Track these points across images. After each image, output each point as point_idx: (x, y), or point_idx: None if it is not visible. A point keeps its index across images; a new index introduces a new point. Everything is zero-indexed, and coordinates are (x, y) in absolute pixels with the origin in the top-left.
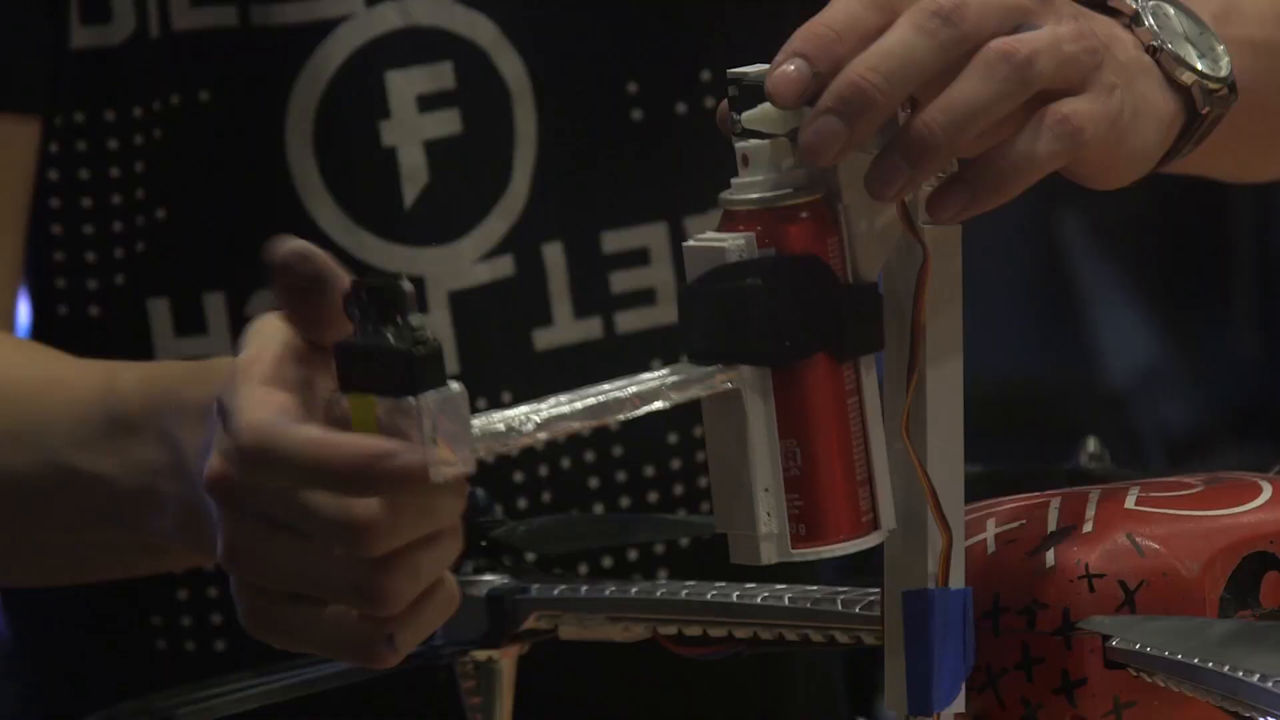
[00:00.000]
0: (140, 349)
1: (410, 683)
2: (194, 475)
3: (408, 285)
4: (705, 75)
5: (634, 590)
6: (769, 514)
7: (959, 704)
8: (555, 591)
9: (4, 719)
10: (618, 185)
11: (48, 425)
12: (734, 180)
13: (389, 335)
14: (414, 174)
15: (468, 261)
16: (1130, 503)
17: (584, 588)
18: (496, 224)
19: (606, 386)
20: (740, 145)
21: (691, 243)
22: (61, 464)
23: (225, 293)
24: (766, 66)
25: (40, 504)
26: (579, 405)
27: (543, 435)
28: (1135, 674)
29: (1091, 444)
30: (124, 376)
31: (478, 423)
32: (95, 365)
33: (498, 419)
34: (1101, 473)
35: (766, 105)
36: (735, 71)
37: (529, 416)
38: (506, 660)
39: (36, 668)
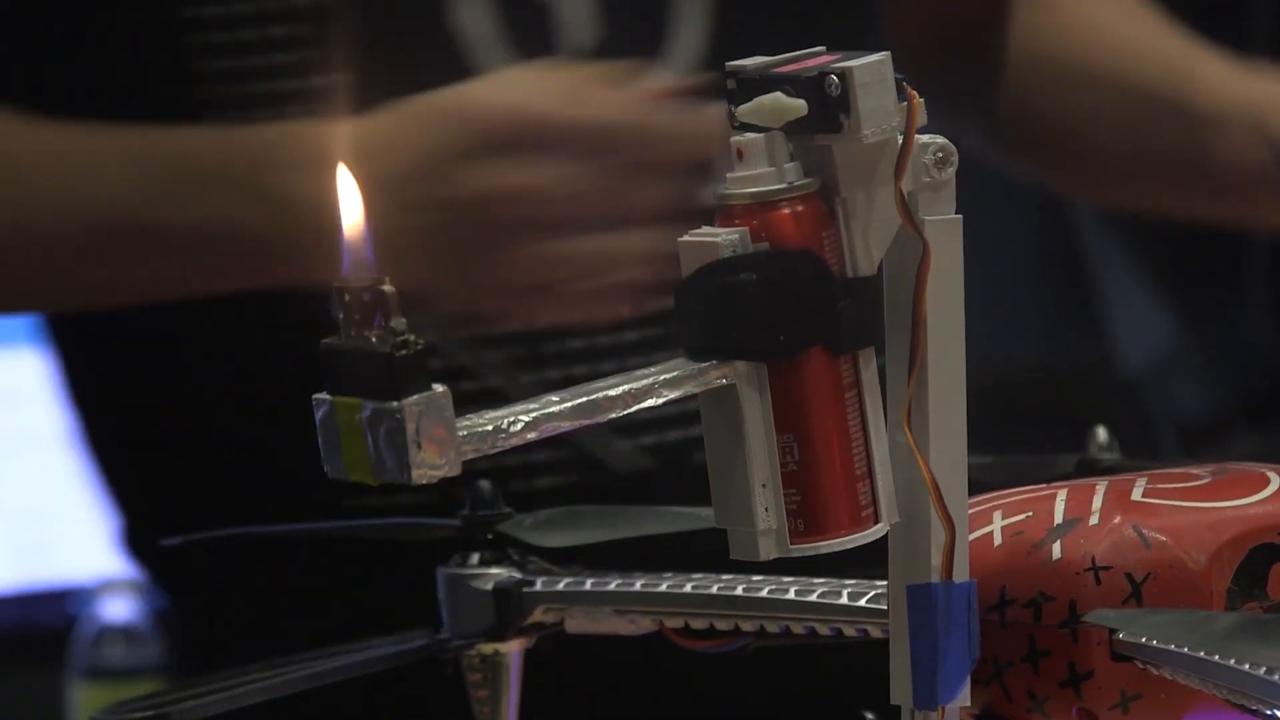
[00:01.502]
0: None
1: (417, 676)
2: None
3: (390, 287)
4: None
5: (640, 583)
6: (767, 509)
7: (964, 697)
8: (561, 584)
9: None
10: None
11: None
12: (729, 175)
13: (372, 338)
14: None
15: None
16: (1137, 494)
17: (589, 581)
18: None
19: (598, 384)
20: (735, 139)
21: (686, 238)
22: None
23: None
24: (764, 60)
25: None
26: (569, 404)
27: (532, 435)
28: (1142, 667)
29: (1101, 434)
30: (181, 138)
31: (465, 423)
32: (129, 132)
33: (486, 419)
34: (1111, 463)
35: (762, 98)
36: (733, 65)
37: (518, 416)
38: (513, 653)
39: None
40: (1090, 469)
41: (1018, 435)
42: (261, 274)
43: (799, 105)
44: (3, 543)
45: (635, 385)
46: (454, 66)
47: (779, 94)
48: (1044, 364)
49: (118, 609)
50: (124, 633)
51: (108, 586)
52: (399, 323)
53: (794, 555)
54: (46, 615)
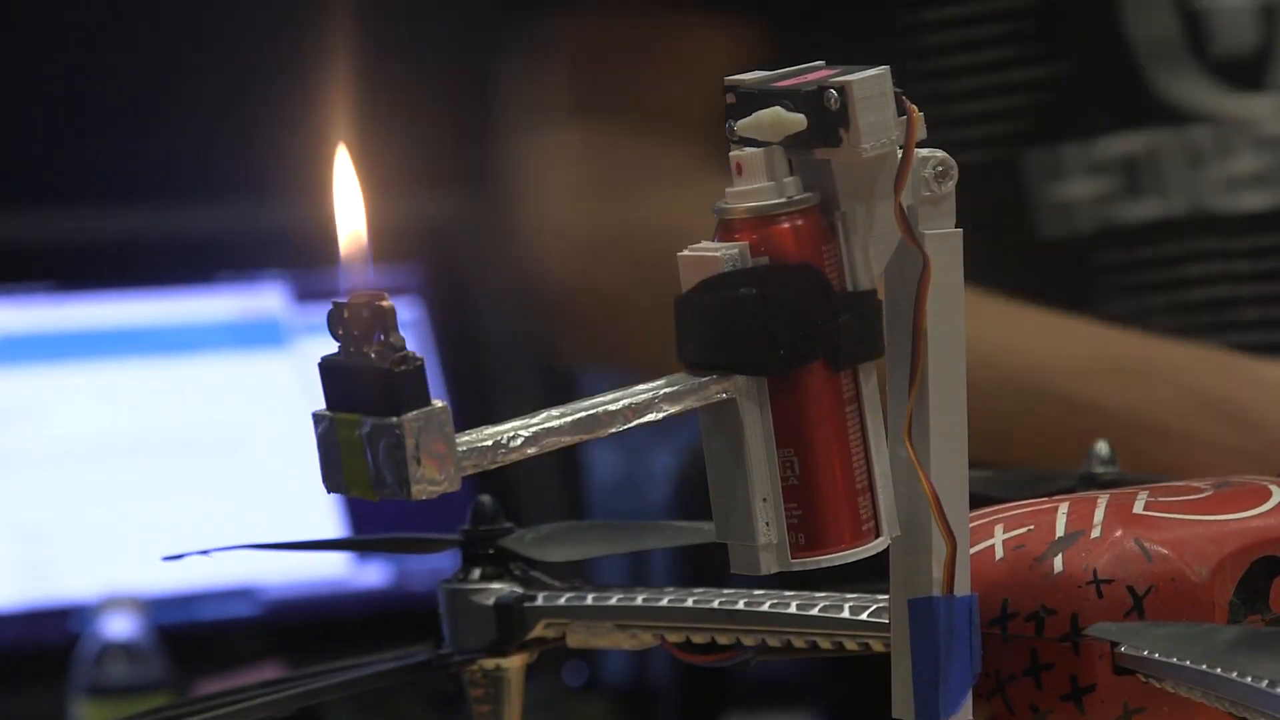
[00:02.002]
0: None
1: (419, 691)
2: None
3: (389, 303)
4: None
5: (641, 598)
6: (768, 524)
7: (966, 711)
8: (562, 599)
9: None
10: None
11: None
12: (728, 190)
13: (371, 354)
14: None
15: None
16: (1139, 507)
17: (591, 595)
18: None
19: (598, 399)
20: (733, 154)
21: (685, 252)
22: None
23: None
24: (764, 74)
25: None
26: (569, 419)
27: (532, 450)
28: (1144, 680)
29: (1103, 447)
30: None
31: (465, 439)
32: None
33: (486, 434)
34: (1112, 476)
35: (760, 113)
36: (731, 79)
37: (518, 431)
38: (514, 668)
39: None
40: (1092, 483)
41: None
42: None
43: (798, 120)
44: (4, 560)
45: (635, 400)
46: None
47: (778, 108)
48: None
49: (120, 626)
50: (126, 649)
51: (110, 603)
52: (398, 339)
53: (795, 570)
54: (48, 632)
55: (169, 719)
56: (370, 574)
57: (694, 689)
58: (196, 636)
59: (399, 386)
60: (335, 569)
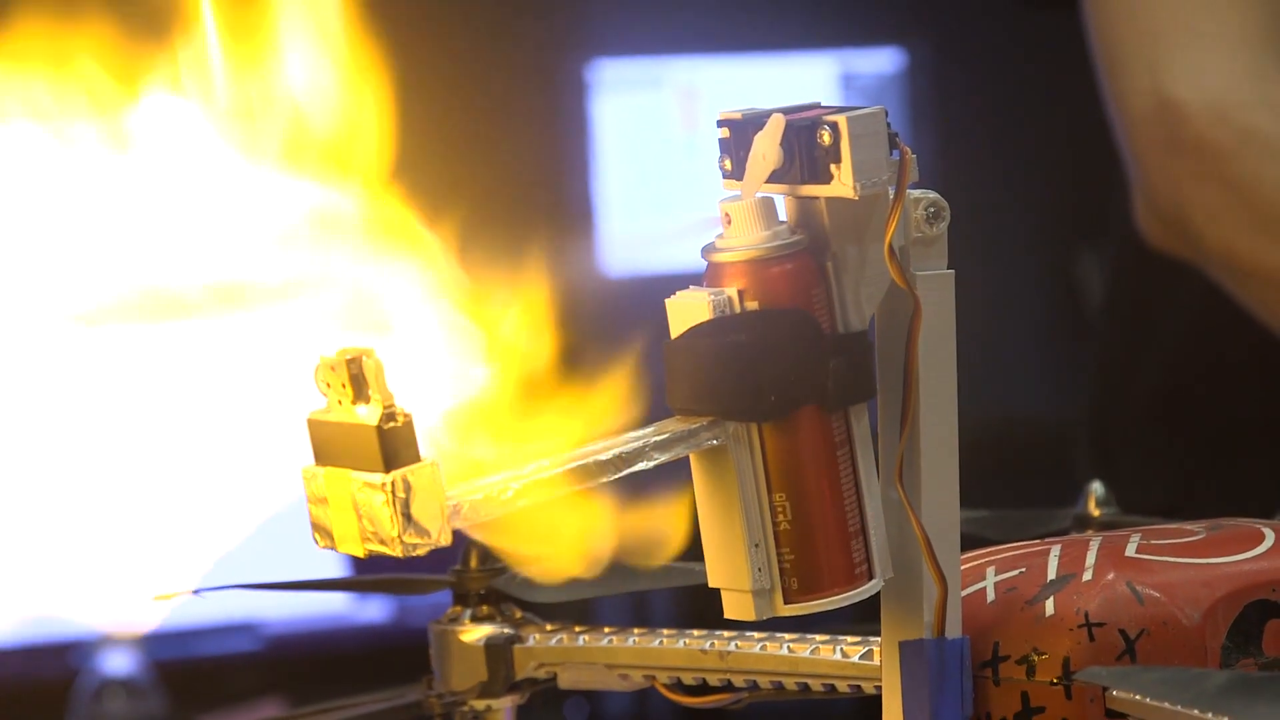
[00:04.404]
0: None
1: None
2: None
3: (375, 359)
4: None
5: (632, 639)
6: (760, 569)
7: None
8: (553, 640)
9: None
10: None
11: None
12: (717, 237)
13: (360, 411)
14: None
15: None
16: (1131, 550)
17: (583, 637)
18: None
19: (588, 449)
20: (723, 204)
21: (674, 298)
22: None
23: None
24: (759, 109)
25: None
26: (560, 470)
27: (523, 503)
28: None
29: (1098, 489)
30: None
31: (454, 493)
32: None
33: (477, 487)
34: (1108, 518)
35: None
36: (725, 114)
37: (508, 484)
38: (504, 710)
39: None
40: (1087, 524)
41: (1015, 490)
42: None
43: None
44: (3, 597)
45: (626, 449)
46: None
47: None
48: (1046, 418)
49: (118, 662)
50: (124, 686)
51: (108, 640)
52: (386, 395)
53: (787, 615)
54: (48, 669)
55: None
56: (371, 609)
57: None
58: (196, 672)
59: (389, 443)
60: (336, 605)
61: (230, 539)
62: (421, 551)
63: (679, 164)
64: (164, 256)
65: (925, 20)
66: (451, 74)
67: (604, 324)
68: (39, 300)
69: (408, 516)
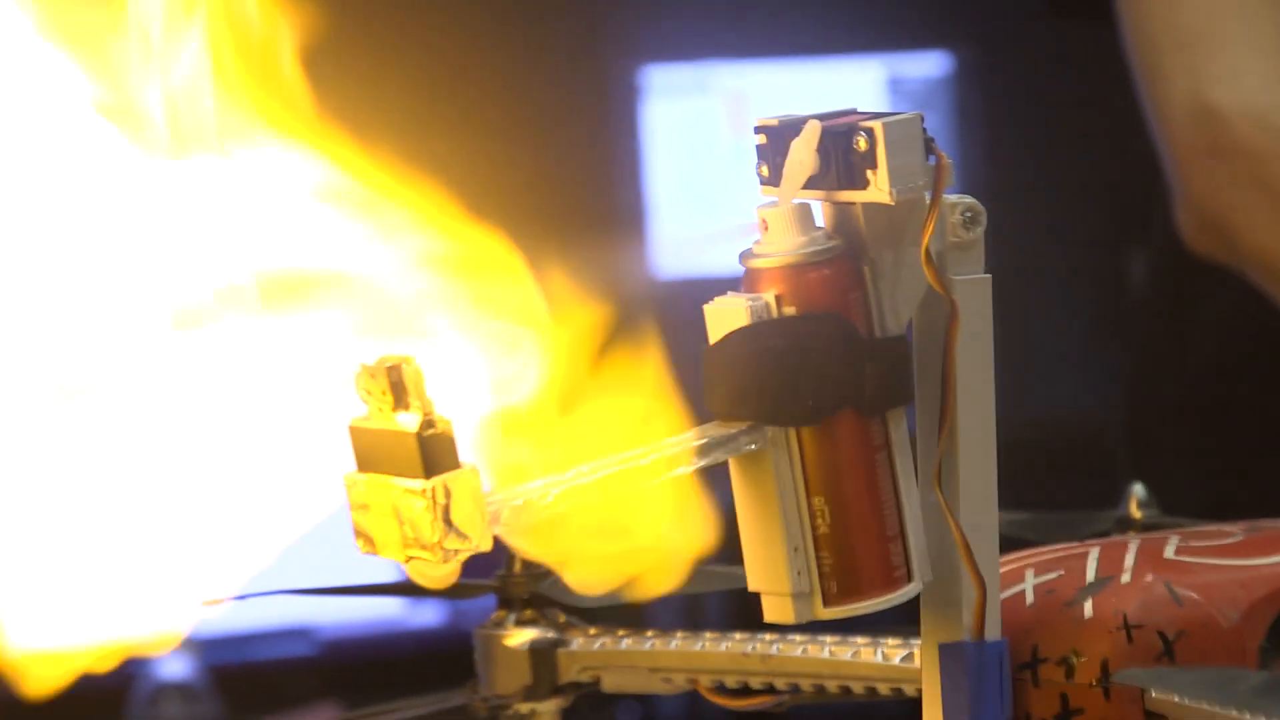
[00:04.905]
0: None
1: None
2: None
3: (418, 366)
4: None
5: (675, 643)
6: (799, 573)
7: None
8: (597, 645)
9: None
10: None
11: None
12: (754, 243)
13: (401, 418)
14: None
15: None
16: (1169, 552)
17: (626, 640)
18: None
19: (629, 454)
20: (760, 210)
21: (712, 304)
22: None
23: None
24: (793, 117)
25: None
26: (599, 476)
27: (562, 508)
28: None
29: (1139, 490)
30: None
31: (495, 499)
32: None
33: (517, 493)
34: (1149, 520)
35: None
36: (763, 121)
37: (548, 489)
38: (548, 713)
39: None
40: (1128, 526)
41: (1056, 492)
42: None
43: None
44: (60, 601)
45: (666, 454)
46: None
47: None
48: (1086, 420)
49: (174, 667)
50: (180, 690)
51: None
52: (427, 402)
53: (827, 619)
54: (105, 673)
55: None
56: (424, 614)
57: None
58: (251, 676)
59: (429, 450)
60: (391, 609)
61: (282, 544)
62: (462, 557)
63: (727, 168)
64: (217, 263)
65: (971, 25)
66: (508, 81)
67: (648, 327)
68: (90, 305)
69: (448, 522)
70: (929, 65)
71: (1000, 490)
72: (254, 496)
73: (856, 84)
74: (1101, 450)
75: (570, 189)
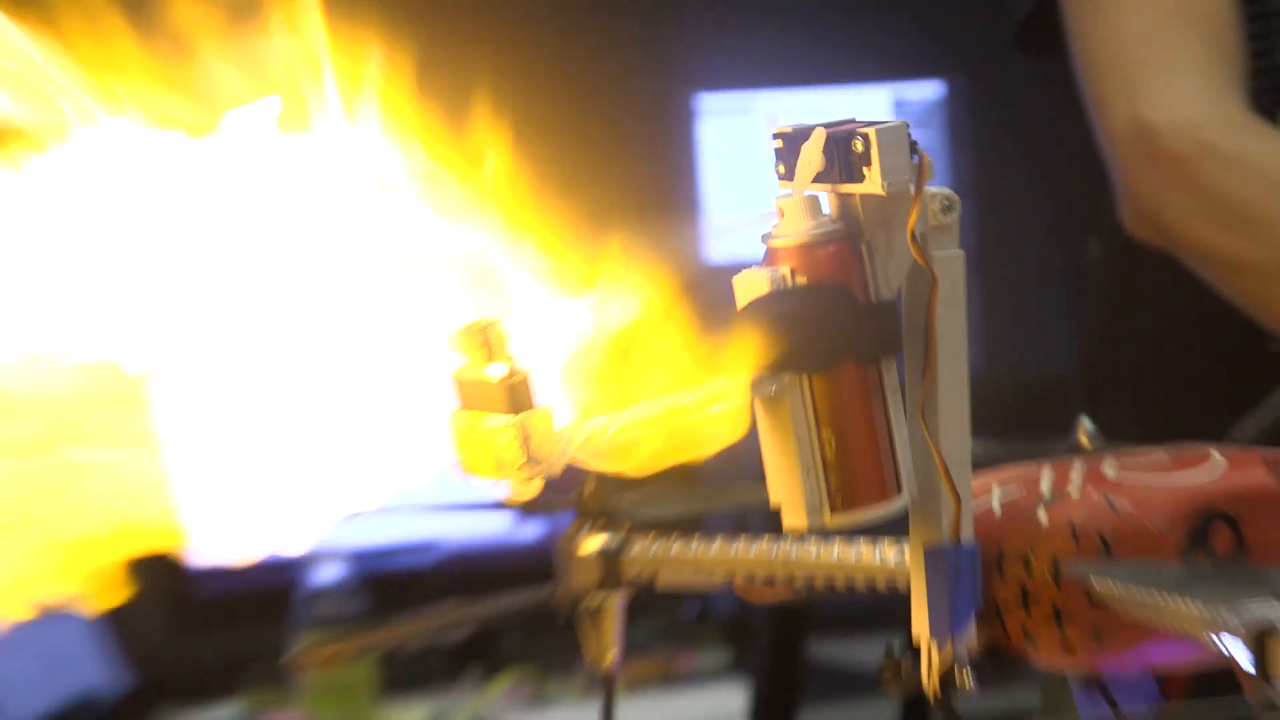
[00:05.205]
0: None
1: (543, 620)
2: None
3: (502, 328)
4: None
5: (714, 548)
6: (811, 490)
7: (970, 633)
8: (653, 550)
9: None
10: None
11: None
12: (774, 227)
13: (491, 368)
14: None
15: None
16: (1108, 471)
17: (675, 546)
18: None
19: (673, 396)
20: (778, 200)
21: (740, 276)
22: None
23: None
24: (804, 125)
25: None
26: (649, 414)
27: (619, 440)
28: (1111, 607)
29: (1086, 423)
30: None
31: (565, 432)
32: None
33: (583, 428)
34: (1095, 448)
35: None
36: (780, 129)
37: (608, 425)
38: (613, 604)
39: None
40: (1077, 452)
41: (1021, 426)
42: None
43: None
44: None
45: (703, 395)
46: None
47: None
48: (1047, 370)
49: (329, 573)
50: (332, 592)
51: (320, 555)
52: (510, 355)
53: (833, 527)
54: (275, 580)
55: (366, 641)
56: (527, 531)
57: (784, 619)
58: (388, 582)
59: (512, 394)
60: (500, 528)
61: (416, 471)
62: (538, 478)
63: (765, 175)
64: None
65: (961, 58)
66: (587, 104)
67: (692, 297)
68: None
69: (527, 450)
70: (927, 90)
71: (974, 423)
72: (385, 433)
73: (869, 105)
74: (1058, 391)
75: (636, 191)
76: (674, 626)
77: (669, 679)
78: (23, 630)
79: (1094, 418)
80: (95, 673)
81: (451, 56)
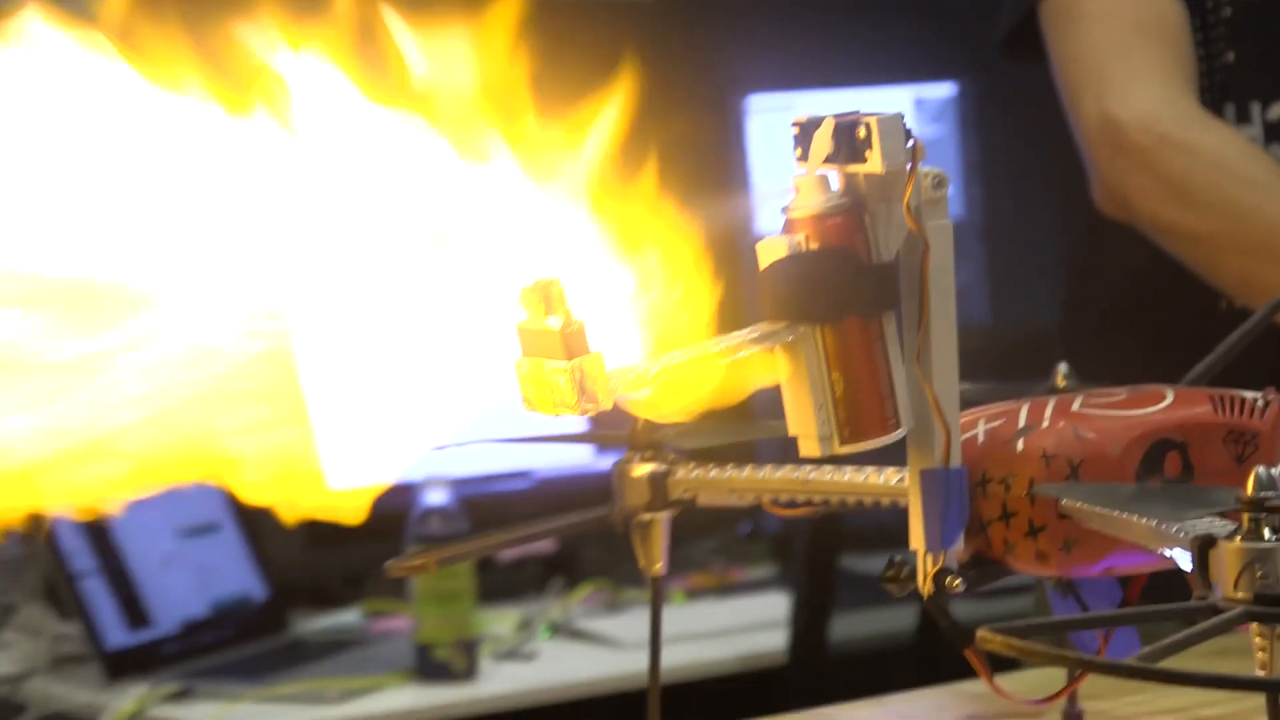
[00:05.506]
0: None
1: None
2: None
3: (560, 285)
4: None
5: (746, 472)
6: (824, 423)
7: (959, 544)
8: (694, 474)
9: None
10: None
11: None
12: (791, 200)
13: (549, 319)
14: None
15: None
16: (1076, 407)
17: (713, 471)
18: None
19: (706, 343)
20: (795, 178)
21: (762, 242)
22: None
23: None
24: (817, 116)
25: None
26: (686, 358)
27: (661, 382)
28: (1078, 521)
29: (1064, 367)
30: None
31: (615, 374)
32: None
33: (630, 369)
34: (1069, 389)
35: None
36: (797, 119)
37: (651, 367)
38: (660, 521)
39: None
40: (1055, 393)
41: (1023, 366)
42: None
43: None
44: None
45: (732, 342)
46: None
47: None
48: (1033, 320)
49: (437, 496)
50: (441, 513)
51: (430, 481)
52: (566, 309)
53: (843, 453)
54: (391, 501)
55: (445, 553)
56: (606, 461)
57: (821, 535)
58: (488, 504)
59: (568, 341)
60: (584, 458)
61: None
62: (591, 413)
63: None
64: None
65: (972, 63)
66: (649, 106)
67: (726, 264)
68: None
69: (582, 390)
70: (943, 90)
71: (978, 365)
72: (467, 376)
73: (893, 103)
74: (1046, 339)
75: (693, 178)
76: (729, 544)
77: (725, 588)
78: (179, 546)
79: (1072, 363)
80: (239, 583)
81: (540, 57)
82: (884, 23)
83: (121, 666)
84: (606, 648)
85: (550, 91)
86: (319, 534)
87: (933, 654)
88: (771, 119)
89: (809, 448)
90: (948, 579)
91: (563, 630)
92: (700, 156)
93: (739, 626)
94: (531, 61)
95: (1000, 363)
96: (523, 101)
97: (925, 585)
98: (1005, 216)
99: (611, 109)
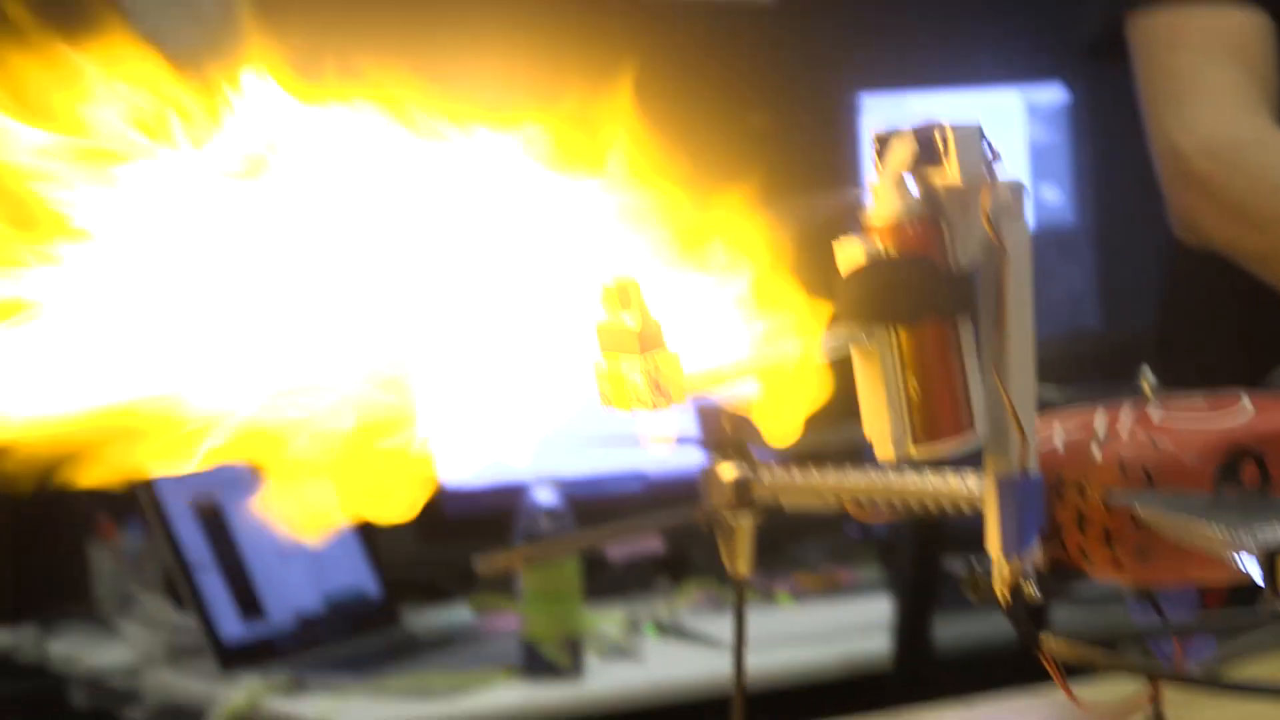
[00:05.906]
0: None
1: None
2: None
3: (637, 284)
4: None
5: (829, 476)
6: (898, 427)
7: (1034, 549)
8: (777, 477)
9: None
10: None
11: None
12: (870, 207)
13: (625, 318)
14: None
15: None
16: (1153, 413)
17: (795, 474)
18: None
19: (784, 346)
20: (875, 185)
21: (839, 242)
22: None
23: None
24: (897, 127)
25: None
26: (762, 359)
27: (737, 379)
28: (1152, 530)
29: (1148, 373)
30: None
31: (690, 372)
32: None
33: (703, 368)
34: (1154, 390)
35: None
36: (880, 132)
37: (726, 367)
38: (746, 520)
39: None
40: (1136, 394)
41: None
42: None
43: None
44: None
45: (813, 345)
46: None
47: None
48: (1120, 329)
49: (546, 497)
50: (550, 514)
51: (538, 483)
52: (644, 307)
53: (916, 458)
54: (502, 502)
55: (533, 550)
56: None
57: (927, 537)
58: (597, 506)
59: (645, 338)
60: (696, 460)
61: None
62: (666, 408)
63: None
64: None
65: (1084, 67)
66: (767, 108)
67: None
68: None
69: (657, 386)
70: (1054, 95)
71: (1073, 371)
72: (553, 376)
73: (998, 104)
74: (1127, 349)
75: (805, 176)
76: (837, 546)
77: (832, 590)
78: (294, 540)
79: (1167, 367)
80: (352, 577)
81: (654, 60)
82: (996, 23)
83: (235, 658)
84: (712, 648)
85: (665, 94)
86: (431, 530)
87: (1035, 657)
88: (884, 119)
89: (883, 451)
90: (1024, 585)
91: (669, 630)
92: (813, 155)
93: (844, 629)
94: (649, 65)
95: (1111, 368)
96: (631, 106)
97: (1002, 592)
98: (1117, 222)
99: (724, 111)
